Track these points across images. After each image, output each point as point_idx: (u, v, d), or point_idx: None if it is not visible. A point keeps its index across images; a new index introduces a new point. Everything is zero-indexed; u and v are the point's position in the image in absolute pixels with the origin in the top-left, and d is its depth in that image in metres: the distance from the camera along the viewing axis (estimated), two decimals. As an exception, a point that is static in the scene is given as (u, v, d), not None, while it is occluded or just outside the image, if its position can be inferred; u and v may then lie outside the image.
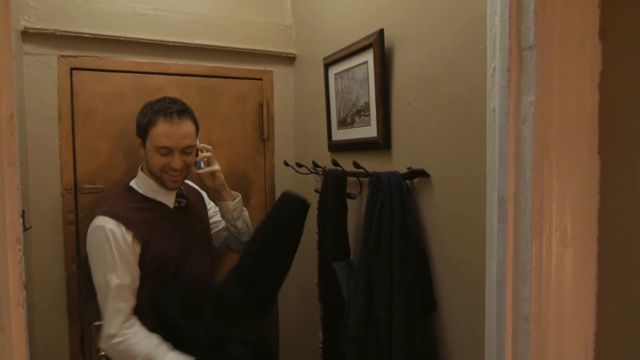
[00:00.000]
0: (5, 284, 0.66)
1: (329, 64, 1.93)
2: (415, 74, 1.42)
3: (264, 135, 2.40)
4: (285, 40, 2.41)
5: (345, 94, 1.82)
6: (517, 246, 0.90)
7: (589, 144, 0.87)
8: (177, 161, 1.56)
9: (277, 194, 2.36)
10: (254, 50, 2.33)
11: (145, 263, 1.55)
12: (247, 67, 2.34)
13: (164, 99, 1.62)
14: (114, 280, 1.48)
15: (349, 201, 1.72)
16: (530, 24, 0.86)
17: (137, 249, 1.54)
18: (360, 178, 1.67)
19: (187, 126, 1.58)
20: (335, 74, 1.89)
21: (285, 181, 2.44)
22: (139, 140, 1.62)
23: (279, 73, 2.43)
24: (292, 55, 2.42)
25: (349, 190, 1.71)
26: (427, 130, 1.38)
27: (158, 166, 1.57)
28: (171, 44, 2.13)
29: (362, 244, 1.45)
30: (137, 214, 1.58)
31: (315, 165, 1.98)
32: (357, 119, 1.74)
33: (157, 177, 1.61)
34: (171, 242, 1.62)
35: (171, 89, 2.16)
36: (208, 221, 1.87)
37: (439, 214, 1.34)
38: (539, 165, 0.87)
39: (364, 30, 1.65)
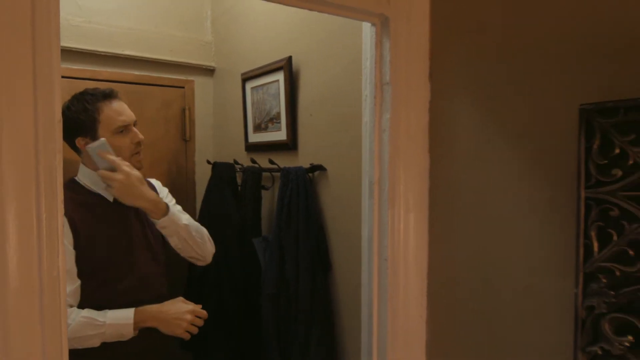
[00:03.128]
0: None
1: (246, 79, 2.32)
2: (315, 93, 1.86)
3: (186, 137, 2.72)
4: (205, 54, 2.75)
5: (260, 104, 2.22)
6: (380, 213, 1.37)
7: (423, 146, 1.36)
8: (138, 132, 1.56)
9: (198, 191, 2.70)
10: (177, 62, 2.65)
11: (79, 255, 1.44)
12: (170, 77, 2.65)
13: (85, 91, 1.55)
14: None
15: (263, 191, 2.12)
16: (387, 69, 1.33)
17: (69, 235, 1.42)
18: (273, 173, 2.08)
19: (124, 102, 1.59)
20: (252, 88, 2.28)
21: (205, 177, 2.77)
22: (85, 139, 1.50)
23: (200, 82, 2.77)
24: (212, 68, 2.77)
25: (263, 183, 2.11)
26: (324, 136, 1.83)
27: (128, 149, 1.52)
28: (102, 53, 2.39)
29: (275, 223, 1.86)
30: (73, 203, 1.46)
31: (235, 162, 2.35)
32: (270, 125, 2.15)
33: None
34: (107, 238, 1.50)
35: (102, 94, 2.41)
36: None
37: (332, 197, 1.79)
38: (393, 160, 1.34)
39: (277, 54, 2.06)
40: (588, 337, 0.96)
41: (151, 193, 1.53)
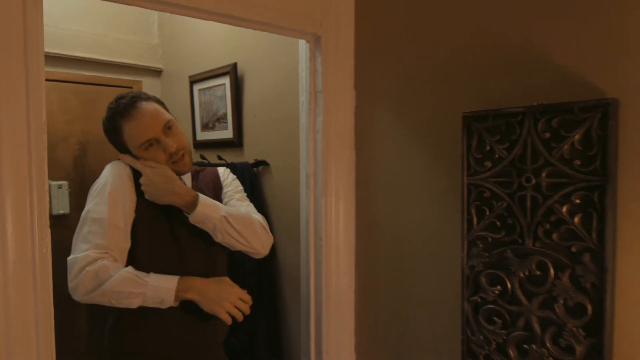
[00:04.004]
0: None
1: (194, 81, 2.51)
2: (259, 97, 2.10)
3: (134, 135, 2.86)
4: (152, 57, 2.90)
5: (208, 105, 2.41)
6: (315, 201, 1.62)
7: (350, 144, 1.63)
8: (168, 143, 1.41)
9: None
10: (125, 63, 2.78)
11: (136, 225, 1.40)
12: (119, 77, 2.78)
13: (110, 105, 1.46)
14: (105, 214, 1.32)
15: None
16: (319, 79, 1.59)
17: (134, 198, 1.40)
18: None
19: (149, 106, 1.43)
20: (199, 89, 2.48)
21: (154, 174, 2.92)
22: (128, 156, 1.46)
23: (147, 83, 2.91)
24: (159, 69, 2.92)
25: (211, 177, 2.31)
26: (267, 134, 2.06)
27: (163, 160, 1.43)
28: (53, 55, 2.49)
29: (223, 212, 2.07)
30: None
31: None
32: (217, 124, 2.35)
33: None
34: (160, 232, 1.45)
35: (51, 92, 2.52)
36: None
37: (275, 189, 2.04)
38: (325, 156, 1.60)
39: (223, 60, 2.27)
40: (471, 290, 1.27)
41: (180, 188, 1.42)
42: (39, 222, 1.05)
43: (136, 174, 1.41)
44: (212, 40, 2.38)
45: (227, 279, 1.49)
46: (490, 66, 1.25)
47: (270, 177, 2.06)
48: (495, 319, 1.21)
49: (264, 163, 2.06)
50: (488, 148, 1.21)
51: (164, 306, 1.34)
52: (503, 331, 1.20)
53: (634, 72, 1.00)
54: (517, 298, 1.18)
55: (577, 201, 1.07)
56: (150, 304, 1.33)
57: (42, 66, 1.05)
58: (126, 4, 1.23)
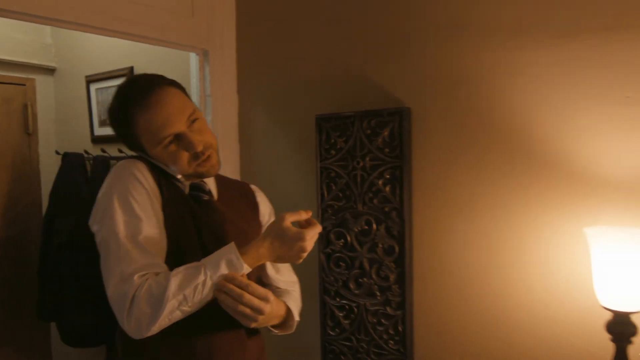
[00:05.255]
0: None
1: (90, 81, 2.72)
2: (155, 97, 2.39)
3: (28, 131, 2.97)
4: (46, 55, 3.02)
5: (105, 103, 2.64)
6: (207, 184, 1.99)
7: (235, 138, 2.03)
8: (194, 140, 1.10)
9: (43, 178, 2.98)
10: (18, 61, 2.88)
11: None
12: (12, 74, 2.87)
13: (118, 90, 1.14)
14: (143, 232, 1.05)
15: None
16: (208, 85, 1.95)
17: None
18: (118, 160, 2.54)
19: (170, 92, 1.13)
20: (97, 89, 2.69)
21: (49, 167, 3.05)
22: (137, 153, 1.18)
23: (41, 81, 3.03)
24: (52, 68, 3.05)
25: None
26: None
27: (184, 163, 1.12)
28: (-59, 52, 2.54)
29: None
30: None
31: (86, 152, 2.73)
32: (115, 121, 2.60)
33: (195, 176, 1.18)
34: (187, 237, 1.14)
35: (-59, 90, 2.57)
36: (249, 237, 1.14)
37: (172, 178, 2.36)
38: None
39: (120, 62, 2.52)
40: (324, 244, 1.73)
41: (277, 309, 1.14)
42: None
43: (154, 168, 1.14)
44: (108, 44, 2.61)
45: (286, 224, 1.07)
46: (335, 82, 1.72)
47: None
48: (341, 263, 1.69)
49: (161, 155, 2.37)
50: (332, 141, 1.68)
51: (242, 271, 1.02)
52: (346, 272, 1.68)
53: (419, 90, 1.53)
54: (354, 247, 1.66)
55: (388, 176, 1.58)
56: (224, 280, 1.00)
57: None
58: (22, 20, 1.45)
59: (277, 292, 1.28)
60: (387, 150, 1.57)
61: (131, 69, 2.44)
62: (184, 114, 1.11)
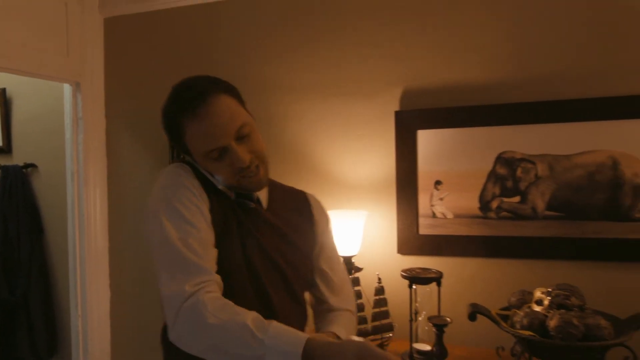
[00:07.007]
0: None
1: (-42, 96, 2.94)
2: (28, 115, 2.75)
3: None
4: None
5: (-26, 118, 2.90)
6: (78, 190, 2.44)
7: (103, 151, 2.51)
8: (240, 155, 1.08)
9: None
10: None
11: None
12: None
13: (173, 91, 1.13)
14: (194, 234, 1.02)
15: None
16: (80, 110, 2.42)
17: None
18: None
19: (223, 103, 1.08)
20: (-35, 104, 2.93)
21: None
22: (186, 157, 1.18)
23: None
24: None
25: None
26: (39, 143, 2.74)
27: (228, 176, 1.11)
28: None
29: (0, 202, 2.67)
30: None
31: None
32: (-14, 135, 2.88)
33: (238, 187, 1.15)
34: (233, 251, 1.10)
35: None
36: (301, 251, 1.23)
37: (43, 184, 2.74)
38: (85, 159, 2.43)
39: (-9, 83, 2.82)
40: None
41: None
42: None
43: (197, 173, 1.12)
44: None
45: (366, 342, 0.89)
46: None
47: (38, 175, 2.75)
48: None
49: (32, 165, 2.73)
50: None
51: None
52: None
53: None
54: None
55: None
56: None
57: None
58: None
59: (328, 315, 1.25)
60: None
61: (3, 90, 2.76)
62: (233, 126, 1.07)
